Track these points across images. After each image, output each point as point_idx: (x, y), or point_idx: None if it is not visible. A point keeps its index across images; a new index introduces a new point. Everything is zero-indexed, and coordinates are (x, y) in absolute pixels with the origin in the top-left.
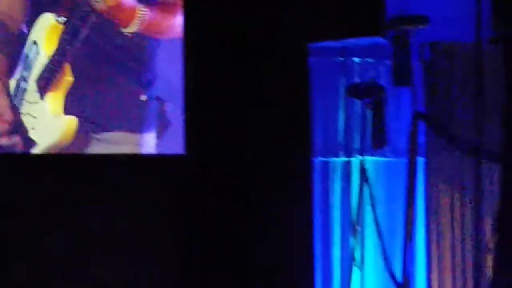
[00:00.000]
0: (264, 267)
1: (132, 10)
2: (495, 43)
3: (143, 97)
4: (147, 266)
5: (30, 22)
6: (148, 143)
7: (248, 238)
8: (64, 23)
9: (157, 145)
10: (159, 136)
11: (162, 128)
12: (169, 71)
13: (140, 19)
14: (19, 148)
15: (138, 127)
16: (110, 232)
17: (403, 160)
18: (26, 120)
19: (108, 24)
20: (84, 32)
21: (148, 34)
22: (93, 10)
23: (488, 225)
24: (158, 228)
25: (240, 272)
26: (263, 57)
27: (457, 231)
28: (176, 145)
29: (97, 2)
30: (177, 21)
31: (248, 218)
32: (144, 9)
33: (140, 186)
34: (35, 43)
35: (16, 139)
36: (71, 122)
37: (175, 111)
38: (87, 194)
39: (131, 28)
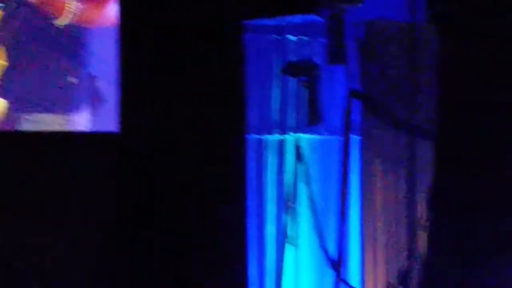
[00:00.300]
0: (198, 244)
1: (62, 3)
2: (430, 22)
3: (74, 80)
4: (78, 241)
5: None
6: (80, 122)
7: (182, 214)
8: (4, 10)
9: (92, 122)
10: (94, 113)
11: (97, 105)
12: (104, 50)
13: (70, 12)
14: None
15: (68, 108)
16: (43, 209)
17: (338, 138)
18: None
19: (41, 14)
20: (18, 19)
21: (80, 24)
22: (25, 1)
23: (422, 203)
24: (89, 204)
25: (174, 245)
26: (198, 34)
27: (392, 209)
28: (111, 122)
29: None
30: (110, 10)
31: (182, 195)
32: (74, 2)
33: (72, 163)
34: None
35: None
36: (0, 104)
37: (109, 89)
38: (19, 171)
39: (63, 21)
